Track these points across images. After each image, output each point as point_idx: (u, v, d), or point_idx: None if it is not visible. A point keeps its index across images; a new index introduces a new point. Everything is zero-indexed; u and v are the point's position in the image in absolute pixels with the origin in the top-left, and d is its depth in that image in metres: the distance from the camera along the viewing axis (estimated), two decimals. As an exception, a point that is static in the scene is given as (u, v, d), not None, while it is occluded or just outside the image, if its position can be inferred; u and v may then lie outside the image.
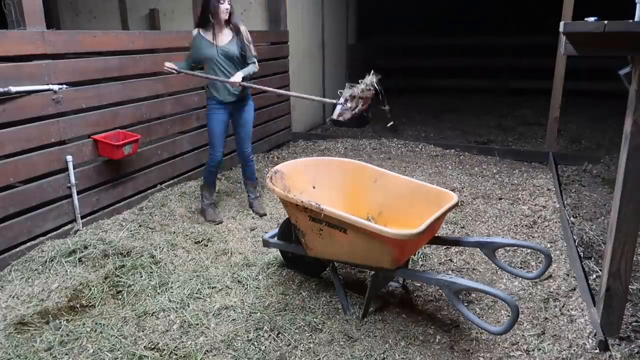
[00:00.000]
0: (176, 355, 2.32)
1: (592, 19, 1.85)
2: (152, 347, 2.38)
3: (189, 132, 4.67)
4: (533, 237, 3.54)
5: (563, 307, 2.64)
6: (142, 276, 2.96)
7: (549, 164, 5.25)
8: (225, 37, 3.67)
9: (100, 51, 3.73)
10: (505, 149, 5.83)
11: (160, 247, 3.30)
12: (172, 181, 4.46)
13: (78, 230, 3.50)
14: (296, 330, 2.49)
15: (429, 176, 4.94)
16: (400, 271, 2.49)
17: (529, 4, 9.35)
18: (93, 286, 2.84)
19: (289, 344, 2.40)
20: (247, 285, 2.92)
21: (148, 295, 2.80)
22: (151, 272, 3.01)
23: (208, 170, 3.92)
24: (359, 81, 3.34)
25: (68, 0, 7.45)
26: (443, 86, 9.86)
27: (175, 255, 3.26)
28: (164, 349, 2.36)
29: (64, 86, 3.33)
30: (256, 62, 3.82)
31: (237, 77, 3.60)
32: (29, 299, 2.75)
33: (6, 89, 2.95)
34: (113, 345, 2.38)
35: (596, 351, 2.25)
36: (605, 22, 1.79)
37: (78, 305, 2.70)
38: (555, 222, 3.71)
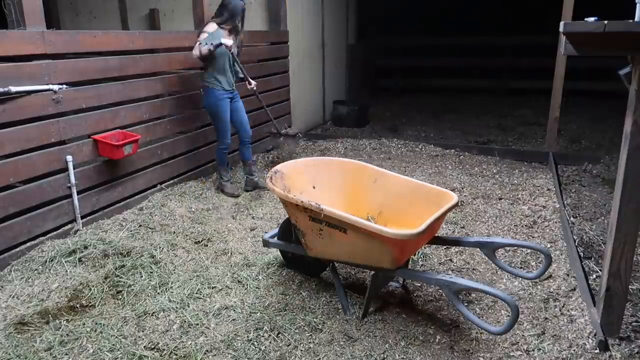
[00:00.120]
0: (176, 355, 2.33)
1: (592, 19, 1.85)
2: (152, 347, 2.38)
3: (188, 132, 4.68)
4: (533, 237, 3.54)
5: (563, 307, 2.64)
6: (142, 276, 2.96)
7: (549, 164, 5.25)
8: (231, 38, 4.15)
9: (100, 51, 3.73)
10: (505, 149, 5.83)
11: (160, 247, 3.30)
12: (172, 181, 4.46)
13: (78, 230, 3.50)
14: (296, 330, 2.49)
15: (429, 176, 4.94)
16: (400, 271, 2.49)
17: (529, 4, 9.35)
18: (93, 286, 2.84)
19: (289, 344, 2.40)
20: (247, 285, 2.92)
21: (148, 295, 2.80)
22: (151, 272, 3.01)
23: (221, 154, 4.41)
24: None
25: (68, 0, 7.45)
26: (443, 86, 9.86)
27: (175, 255, 3.26)
28: (164, 349, 2.36)
29: (64, 86, 3.33)
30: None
31: (253, 82, 4.44)
32: (29, 299, 2.75)
33: (6, 89, 2.95)
34: (113, 345, 2.38)
35: (596, 351, 2.25)
36: (605, 22, 1.79)
37: (78, 305, 2.70)
38: (555, 222, 3.71)
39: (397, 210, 2.85)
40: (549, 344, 2.35)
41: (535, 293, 2.80)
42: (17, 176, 3.12)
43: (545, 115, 5.78)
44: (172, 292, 2.82)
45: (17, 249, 3.15)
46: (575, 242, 3.28)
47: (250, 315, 2.62)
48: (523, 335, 2.44)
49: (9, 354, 2.30)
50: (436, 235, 2.72)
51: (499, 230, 3.67)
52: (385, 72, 10.21)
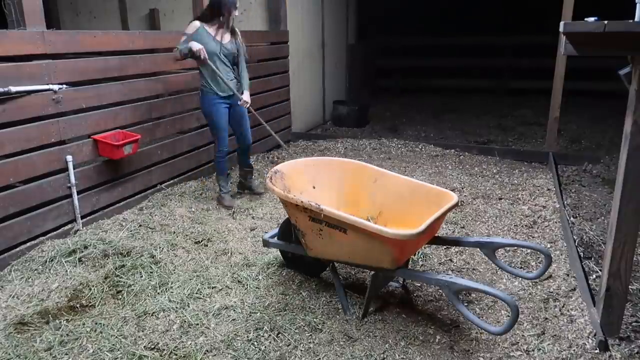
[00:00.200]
0: (176, 355, 2.33)
1: (592, 19, 1.85)
2: (152, 347, 2.38)
3: (188, 132, 4.68)
4: (533, 237, 3.54)
5: (563, 307, 2.64)
6: (142, 276, 2.96)
7: (549, 164, 5.25)
8: (226, 36, 3.90)
9: (100, 51, 3.73)
10: (505, 149, 5.83)
11: (160, 247, 3.30)
12: (172, 181, 4.46)
13: (78, 230, 3.50)
14: (296, 330, 2.49)
15: (429, 176, 4.94)
16: (400, 271, 2.49)
17: (529, 4, 9.35)
18: (93, 286, 2.84)
19: (289, 344, 2.40)
20: (247, 285, 2.92)
21: (148, 295, 2.80)
22: (151, 272, 3.01)
23: (219, 162, 4.12)
24: None
25: (68, 0, 7.45)
26: (443, 86, 9.86)
27: (175, 255, 3.26)
28: (164, 349, 2.36)
29: (64, 86, 3.33)
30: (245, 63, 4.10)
31: (247, 97, 3.98)
32: (29, 299, 2.75)
33: (6, 89, 2.95)
34: (113, 345, 2.38)
35: (596, 351, 2.25)
36: (605, 22, 1.79)
37: (78, 305, 2.70)
38: (555, 222, 3.71)
39: (397, 210, 2.85)
40: (549, 344, 2.35)
41: (535, 293, 2.80)
42: (17, 176, 3.12)
43: (545, 115, 5.78)
44: (172, 292, 2.82)
45: (17, 249, 3.15)
46: (575, 242, 3.28)
47: (250, 315, 2.62)
48: (523, 335, 2.44)
49: (9, 354, 2.30)
50: (436, 235, 2.72)
51: (499, 230, 3.67)
52: (385, 72, 10.21)
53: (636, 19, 1.92)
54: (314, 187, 2.98)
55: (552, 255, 2.71)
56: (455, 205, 2.60)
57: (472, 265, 3.15)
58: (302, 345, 2.40)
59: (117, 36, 3.87)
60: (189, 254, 3.30)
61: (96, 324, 2.54)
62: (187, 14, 6.66)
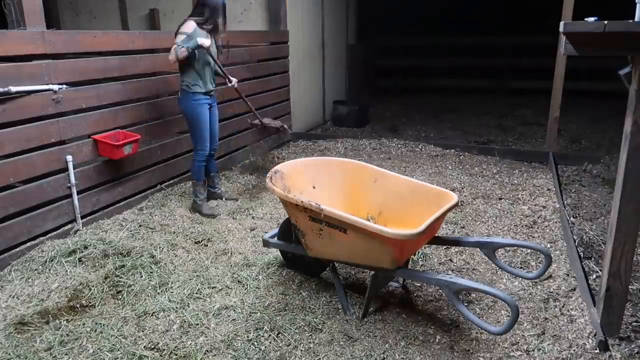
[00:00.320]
0: (176, 355, 2.32)
1: (592, 19, 1.85)
2: (152, 347, 2.38)
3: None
4: (533, 237, 3.54)
5: (563, 307, 2.64)
6: (142, 276, 2.96)
7: (549, 164, 5.25)
8: (210, 38, 3.82)
9: (100, 51, 3.73)
10: (505, 149, 5.83)
11: (160, 247, 3.30)
12: (172, 181, 4.46)
13: (78, 230, 3.50)
14: (296, 330, 2.49)
15: (429, 176, 4.94)
16: (400, 271, 2.49)
17: (529, 4, 9.35)
18: (93, 286, 2.84)
19: (289, 344, 2.40)
20: (247, 285, 2.92)
21: (148, 295, 2.80)
22: (151, 272, 3.01)
23: (197, 167, 3.98)
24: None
25: (68, 0, 7.45)
26: (443, 86, 9.86)
27: (175, 255, 3.26)
28: (164, 349, 2.36)
29: (64, 86, 3.33)
30: None
31: (234, 79, 4.13)
32: (29, 299, 2.75)
33: (6, 89, 2.95)
34: (113, 345, 2.38)
35: (596, 351, 2.25)
36: (605, 22, 1.79)
37: (78, 305, 2.70)
38: (555, 222, 3.71)
39: (397, 210, 2.85)
40: (549, 344, 2.35)
41: (535, 293, 2.80)
42: (17, 176, 3.12)
43: (545, 115, 5.78)
44: (172, 292, 2.82)
45: (17, 249, 3.15)
46: (575, 242, 3.28)
47: (250, 315, 2.62)
48: (523, 335, 2.44)
49: (9, 354, 2.30)
50: (436, 235, 2.72)
51: (499, 230, 3.67)
52: (385, 72, 10.21)
53: (636, 19, 1.92)
54: (314, 187, 2.98)
55: (552, 255, 2.71)
56: (455, 205, 2.60)
57: (472, 265, 3.15)
58: (302, 345, 2.40)
59: (117, 36, 3.87)
60: (189, 254, 3.30)
61: (96, 324, 2.54)
62: (187, 14, 6.65)
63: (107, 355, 2.31)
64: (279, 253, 3.17)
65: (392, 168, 5.08)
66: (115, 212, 3.83)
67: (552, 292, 2.79)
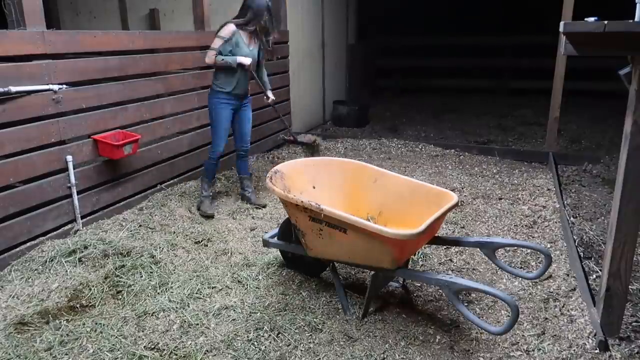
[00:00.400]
0: (176, 355, 2.32)
1: (592, 19, 1.85)
2: (152, 347, 2.38)
3: (189, 132, 4.67)
4: (533, 237, 3.54)
5: (563, 307, 2.64)
6: (142, 276, 2.96)
7: (549, 164, 5.25)
8: (253, 41, 3.94)
9: (100, 51, 3.73)
10: (505, 149, 5.83)
11: (160, 247, 3.30)
12: (172, 181, 4.46)
13: (78, 230, 3.50)
14: (296, 330, 2.49)
15: (429, 176, 4.94)
16: (400, 271, 2.49)
17: (529, 4, 9.35)
18: (93, 286, 2.84)
19: (289, 344, 2.40)
20: (247, 285, 2.92)
21: (148, 295, 2.80)
22: (151, 272, 3.01)
23: (209, 164, 4.06)
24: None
25: (68, 0, 7.45)
26: (443, 86, 9.86)
27: (175, 255, 3.26)
28: (164, 349, 2.36)
29: (64, 86, 3.33)
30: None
31: (271, 95, 4.28)
32: (29, 299, 2.75)
33: (6, 89, 2.94)
34: (113, 345, 2.38)
35: (596, 351, 2.25)
36: (605, 22, 1.79)
37: (78, 305, 2.70)
38: (555, 222, 3.71)
39: (397, 210, 2.85)
40: (549, 344, 2.35)
41: (535, 293, 2.80)
42: (17, 176, 3.12)
43: (545, 115, 5.78)
44: (172, 292, 2.82)
45: (17, 249, 3.15)
46: (575, 242, 3.28)
47: (250, 315, 2.62)
48: (523, 335, 2.44)
49: (9, 354, 2.30)
50: (436, 235, 2.72)
51: (499, 230, 3.67)
52: (385, 72, 10.21)
53: (636, 19, 1.92)
54: (314, 187, 2.98)
55: (552, 255, 2.71)
56: (455, 205, 2.60)
57: (472, 265, 3.15)
58: (302, 345, 2.40)
59: (117, 36, 3.86)
60: (189, 254, 3.30)
61: (96, 324, 2.54)
62: (187, 14, 6.69)
63: (107, 355, 2.31)
64: (279, 253, 3.17)
65: (392, 168, 5.08)
66: (115, 212, 3.83)
67: (552, 292, 2.79)
